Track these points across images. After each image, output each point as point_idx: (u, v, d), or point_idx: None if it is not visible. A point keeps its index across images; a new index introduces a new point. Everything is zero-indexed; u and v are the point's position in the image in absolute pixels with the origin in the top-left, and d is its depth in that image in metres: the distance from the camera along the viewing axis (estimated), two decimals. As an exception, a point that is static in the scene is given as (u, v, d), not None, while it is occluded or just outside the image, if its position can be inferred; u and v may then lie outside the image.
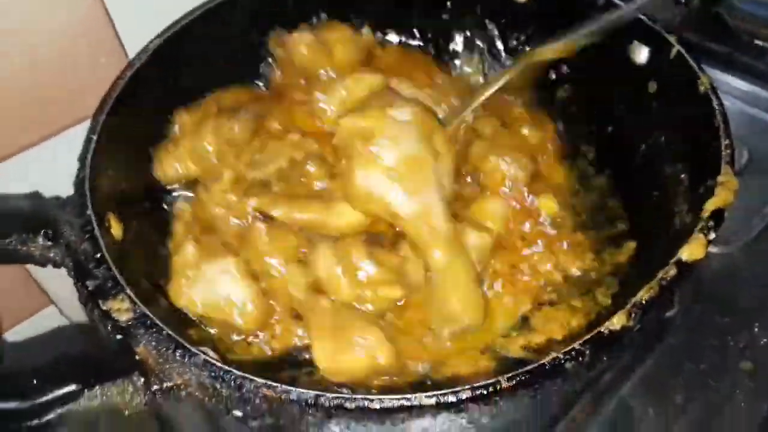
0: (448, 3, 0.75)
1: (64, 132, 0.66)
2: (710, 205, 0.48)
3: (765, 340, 0.62)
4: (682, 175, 0.58)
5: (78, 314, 0.78)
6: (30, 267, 0.71)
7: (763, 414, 0.58)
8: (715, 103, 0.55)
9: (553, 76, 0.72)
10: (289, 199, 0.59)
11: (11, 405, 0.37)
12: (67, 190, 0.53)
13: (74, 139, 0.64)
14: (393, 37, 0.78)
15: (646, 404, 0.59)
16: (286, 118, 0.65)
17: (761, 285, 0.67)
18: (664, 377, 0.60)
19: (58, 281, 0.70)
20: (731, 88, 0.86)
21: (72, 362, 0.40)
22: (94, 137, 0.54)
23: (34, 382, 0.37)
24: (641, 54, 0.64)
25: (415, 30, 0.77)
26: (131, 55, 0.66)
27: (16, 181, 0.64)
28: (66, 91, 0.65)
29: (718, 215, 0.48)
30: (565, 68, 0.72)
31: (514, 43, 0.75)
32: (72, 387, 0.38)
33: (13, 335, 0.75)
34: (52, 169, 0.64)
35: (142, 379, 0.40)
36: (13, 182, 0.64)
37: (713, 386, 0.60)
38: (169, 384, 0.40)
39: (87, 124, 0.65)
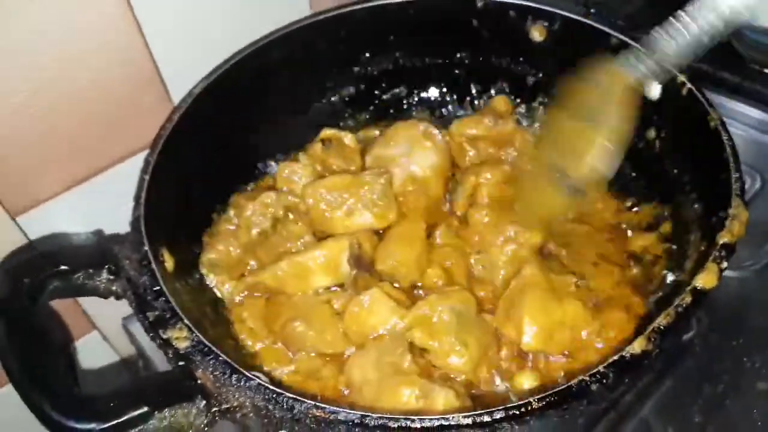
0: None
1: (113, 168, 0.70)
2: (722, 237, 0.51)
3: (780, 361, 0.64)
4: (695, 205, 0.61)
5: (119, 340, 0.82)
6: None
7: (780, 432, 0.60)
8: (724, 137, 0.58)
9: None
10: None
11: (91, 426, 0.41)
12: (115, 218, 0.57)
13: (121, 174, 0.70)
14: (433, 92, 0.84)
15: (666, 424, 0.61)
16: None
17: (776, 308, 0.69)
18: (683, 398, 0.63)
19: (103, 308, 0.75)
20: (743, 116, 0.88)
21: (143, 387, 0.44)
22: (147, 176, 0.58)
23: (111, 405, 0.41)
24: (654, 90, 0.68)
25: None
26: (174, 95, 0.71)
27: (71, 212, 0.68)
28: (112, 130, 0.69)
29: (730, 245, 0.51)
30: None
31: (531, 80, 0.79)
32: (144, 409, 0.42)
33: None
34: (101, 201, 0.69)
35: (204, 402, 0.44)
36: (66, 214, 0.68)
37: (730, 406, 0.62)
38: (227, 406, 0.44)
39: (132, 160, 0.70)
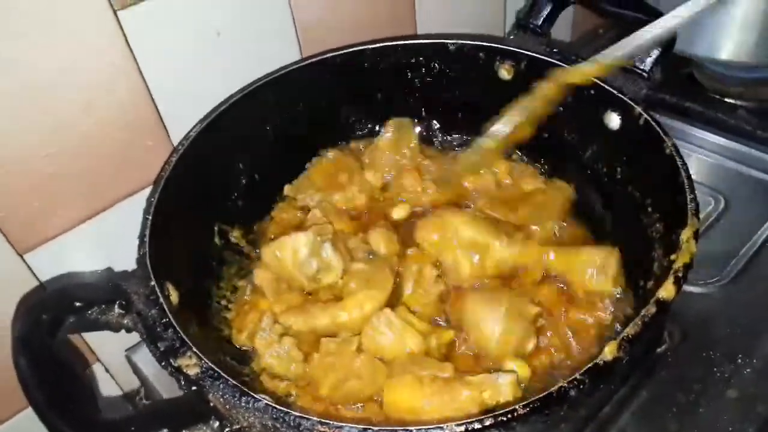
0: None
1: (118, 204, 0.73)
2: (680, 253, 0.56)
3: (747, 370, 0.69)
4: (657, 225, 0.66)
5: (122, 372, 0.83)
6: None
7: (749, 436, 0.64)
8: (679, 162, 0.63)
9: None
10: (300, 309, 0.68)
11: (113, 448, 0.44)
12: (122, 253, 0.60)
13: (126, 210, 0.73)
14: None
15: (643, 431, 0.65)
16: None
17: (742, 321, 0.73)
18: (659, 407, 0.67)
19: (106, 340, 0.78)
20: (706, 142, 0.95)
21: (160, 411, 0.48)
22: (150, 217, 0.62)
23: (132, 428, 0.45)
24: (614, 121, 0.74)
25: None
26: (173, 138, 0.75)
27: (76, 250, 0.71)
28: (118, 170, 0.72)
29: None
30: (546, 135, 0.82)
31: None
32: (164, 431, 0.45)
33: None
34: (108, 237, 0.72)
35: (217, 423, 0.47)
36: (73, 251, 0.71)
37: (703, 413, 0.66)
38: (237, 426, 0.47)
39: (137, 197, 0.74)
